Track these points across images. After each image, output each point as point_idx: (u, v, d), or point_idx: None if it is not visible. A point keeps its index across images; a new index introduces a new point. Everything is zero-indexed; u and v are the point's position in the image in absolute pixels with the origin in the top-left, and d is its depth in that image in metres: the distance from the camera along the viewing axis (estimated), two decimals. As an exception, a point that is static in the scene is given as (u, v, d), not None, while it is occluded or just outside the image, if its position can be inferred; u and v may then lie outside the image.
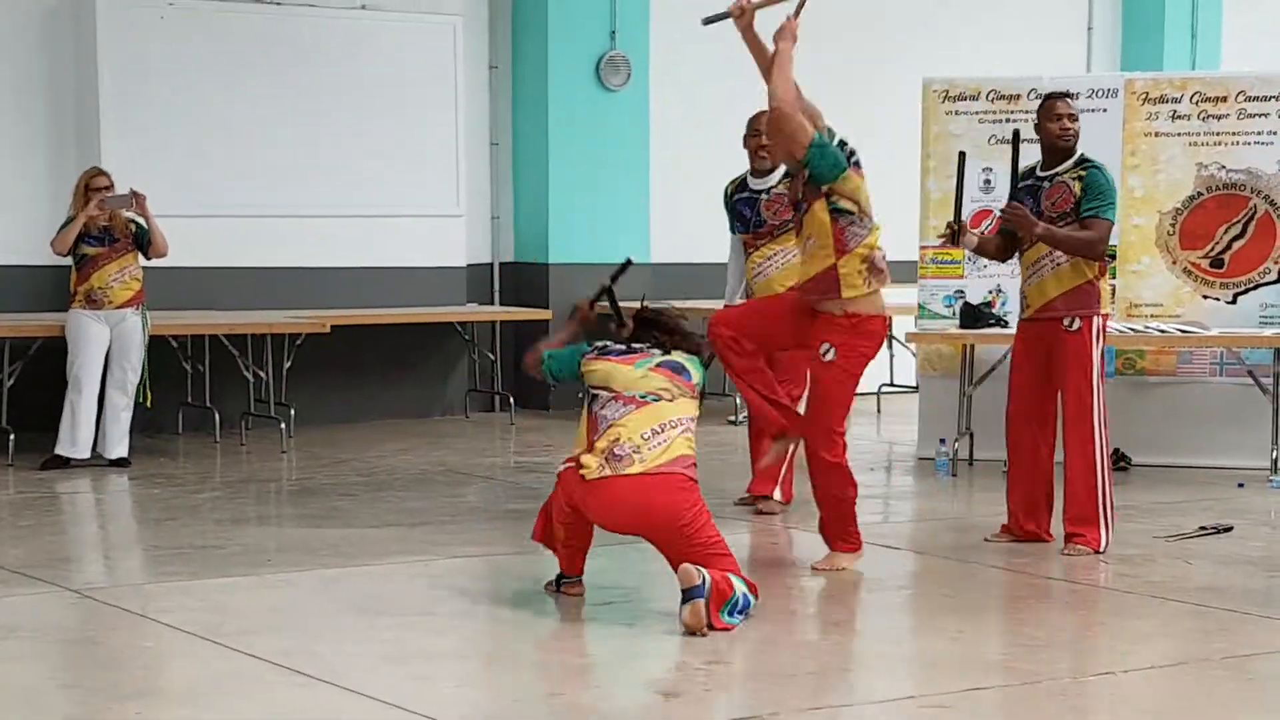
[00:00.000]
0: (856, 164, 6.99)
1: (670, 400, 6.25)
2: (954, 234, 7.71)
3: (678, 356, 6.41)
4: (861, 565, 7.13)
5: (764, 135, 8.52)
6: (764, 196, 8.52)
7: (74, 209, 9.96)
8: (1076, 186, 7.50)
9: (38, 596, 6.61)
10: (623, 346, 6.48)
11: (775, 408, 7.19)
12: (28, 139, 11.19)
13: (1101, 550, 7.42)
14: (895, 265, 11.20)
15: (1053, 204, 7.53)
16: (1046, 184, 7.56)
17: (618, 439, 6.14)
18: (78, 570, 7.31)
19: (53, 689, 5.40)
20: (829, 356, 7.01)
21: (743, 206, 8.60)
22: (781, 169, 8.49)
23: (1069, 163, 7.56)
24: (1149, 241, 10.03)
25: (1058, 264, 7.51)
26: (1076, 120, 7.58)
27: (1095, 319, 7.51)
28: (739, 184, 8.68)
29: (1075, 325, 7.51)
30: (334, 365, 11.88)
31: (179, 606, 6.39)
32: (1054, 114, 7.56)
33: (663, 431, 6.16)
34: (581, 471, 6.15)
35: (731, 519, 8.13)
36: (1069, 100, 7.62)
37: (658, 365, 6.34)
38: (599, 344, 6.52)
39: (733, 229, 8.74)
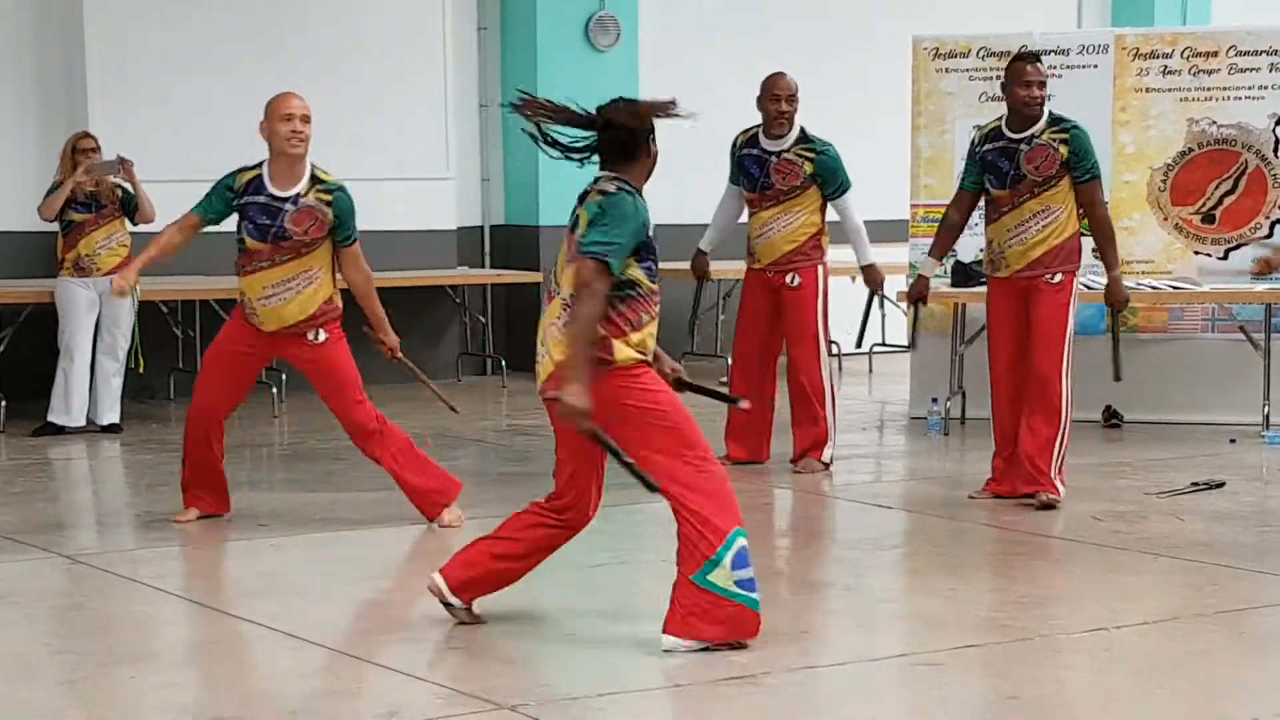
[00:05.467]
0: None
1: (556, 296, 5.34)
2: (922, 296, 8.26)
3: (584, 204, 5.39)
4: (854, 524, 7.13)
5: (783, 101, 8.41)
6: (774, 159, 8.37)
7: (60, 173, 9.91)
8: (1063, 149, 7.46)
9: (30, 562, 6.60)
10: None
11: None
12: (15, 104, 11.13)
13: (1060, 496, 7.45)
14: (887, 224, 11.30)
15: (1036, 167, 7.47)
16: (1025, 146, 7.49)
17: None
18: (70, 536, 7.29)
19: (45, 655, 5.39)
20: None
21: (750, 164, 8.44)
22: (795, 133, 8.41)
23: (1042, 123, 7.51)
24: (1140, 198, 10.01)
25: (1046, 224, 7.49)
26: (1045, 88, 7.50)
27: (1075, 275, 7.53)
28: (750, 138, 8.48)
29: (1058, 279, 7.51)
30: (325, 329, 11.82)
31: (171, 572, 6.39)
32: (1023, 80, 7.47)
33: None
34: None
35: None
36: (1039, 65, 7.52)
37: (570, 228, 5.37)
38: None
39: (735, 180, 8.55)
